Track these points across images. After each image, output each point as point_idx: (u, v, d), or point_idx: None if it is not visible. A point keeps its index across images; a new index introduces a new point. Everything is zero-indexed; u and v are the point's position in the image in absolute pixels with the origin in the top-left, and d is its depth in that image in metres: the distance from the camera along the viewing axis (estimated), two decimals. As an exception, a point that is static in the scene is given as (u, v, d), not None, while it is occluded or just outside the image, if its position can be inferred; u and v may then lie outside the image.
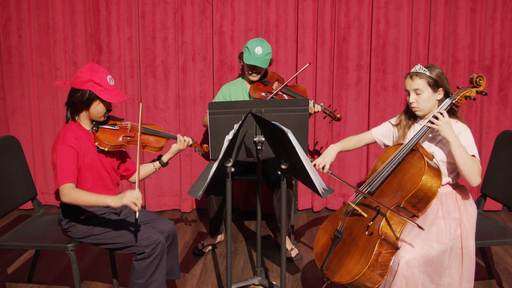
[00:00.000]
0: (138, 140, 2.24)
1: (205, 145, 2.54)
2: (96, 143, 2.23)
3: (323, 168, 2.32)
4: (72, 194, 2.08)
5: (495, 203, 3.73)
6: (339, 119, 3.04)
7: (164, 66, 3.73)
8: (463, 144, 2.10)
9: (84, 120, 2.26)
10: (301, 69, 3.23)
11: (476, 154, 2.13)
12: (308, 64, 3.24)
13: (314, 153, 3.81)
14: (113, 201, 2.05)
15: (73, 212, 2.26)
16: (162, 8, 3.65)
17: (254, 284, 2.51)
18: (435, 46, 3.61)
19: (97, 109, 2.22)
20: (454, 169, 2.20)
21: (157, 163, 2.45)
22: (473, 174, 2.07)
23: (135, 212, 2.07)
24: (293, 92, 3.10)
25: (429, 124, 2.12)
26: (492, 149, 2.65)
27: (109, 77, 2.21)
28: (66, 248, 2.28)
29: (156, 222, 2.39)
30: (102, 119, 2.27)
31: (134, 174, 2.50)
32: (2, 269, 2.91)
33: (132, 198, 2.03)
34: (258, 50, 3.04)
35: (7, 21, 3.75)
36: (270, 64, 3.13)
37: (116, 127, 2.32)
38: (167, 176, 3.86)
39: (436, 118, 2.10)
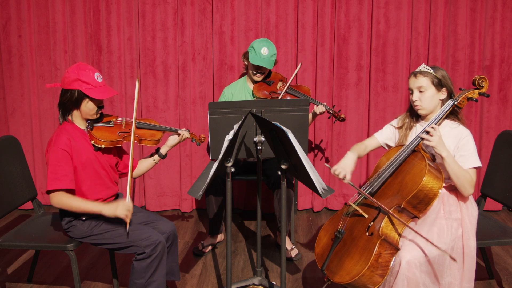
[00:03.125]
0: (132, 133, 2.26)
1: (202, 135, 2.57)
2: (92, 142, 2.24)
3: (343, 178, 2.20)
4: (63, 201, 2.15)
5: (495, 203, 3.73)
6: (343, 119, 3.02)
7: (164, 66, 3.72)
8: (464, 153, 2.12)
9: (77, 120, 2.27)
10: (295, 71, 3.16)
11: (477, 163, 2.13)
12: (300, 65, 3.21)
13: (314, 153, 3.80)
14: (107, 210, 2.14)
15: (73, 212, 2.26)
16: (162, 8, 3.65)
17: (254, 284, 2.51)
18: (435, 46, 3.61)
19: (88, 107, 2.22)
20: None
21: (156, 156, 2.46)
22: (465, 187, 2.10)
23: (126, 223, 2.17)
24: (298, 92, 3.10)
25: (423, 135, 2.09)
26: (492, 149, 2.65)
27: (96, 74, 2.22)
28: (66, 248, 2.28)
29: (156, 223, 2.39)
30: (95, 116, 2.28)
31: (134, 170, 2.51)
32: (2, 269, 2.91)
33: (124, 210, 2.14)
34: (264, 51, 3.03)
35: (7, 21, 3.75)
36: (274, 64, 3.13)
37: (111, 124, 2.33)
38: (167, 176, 3.86)
39: (427, 133, 2.08)
